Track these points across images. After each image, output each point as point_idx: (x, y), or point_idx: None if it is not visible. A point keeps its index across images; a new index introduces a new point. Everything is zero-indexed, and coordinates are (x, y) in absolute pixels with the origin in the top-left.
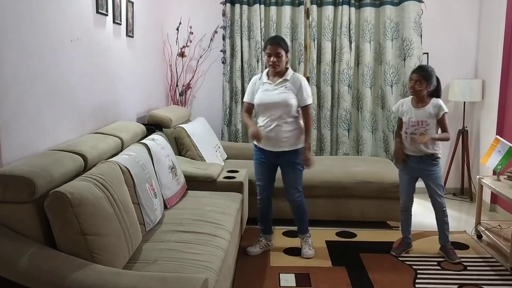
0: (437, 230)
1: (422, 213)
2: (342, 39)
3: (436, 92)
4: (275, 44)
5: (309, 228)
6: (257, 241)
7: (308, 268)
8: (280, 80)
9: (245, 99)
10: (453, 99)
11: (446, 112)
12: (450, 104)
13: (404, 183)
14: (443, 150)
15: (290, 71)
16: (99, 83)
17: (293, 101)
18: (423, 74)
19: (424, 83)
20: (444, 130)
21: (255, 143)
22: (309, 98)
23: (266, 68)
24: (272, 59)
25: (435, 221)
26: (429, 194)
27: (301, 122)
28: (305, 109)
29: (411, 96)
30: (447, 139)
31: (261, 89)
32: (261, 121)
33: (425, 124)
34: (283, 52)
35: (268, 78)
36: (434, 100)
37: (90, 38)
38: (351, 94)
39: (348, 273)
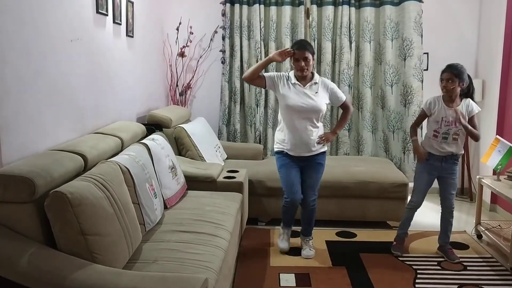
0: (437, 230)
1: (422, 213)
2: (342, 39)
3: (469, 91)
4: (302, 48)
5: None
6: (283, 234)
7: (308, 268)
8: (311, 83)
9: (265, 74)
10: None
11: (478, 111)
12: None
13: (424, 183)
14: None
15: (316, 75)
16: (99, 83)
17: (324, 106)
18: (454, 71)
19: (456, 81)
20: (475, 129)
21: (278, 148)
22: (343, 95)
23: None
24: (300, 63)
25: (435, 221)
26: (442, 193)
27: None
28: (345, 104)
29: (441, 95)
30: (477, 137)
31: (292, 90)
32: (291, 124)
33: (459, 124)
34: (310, 56)
35: (297, 80)
36: (465, 100)
37: (90, 38)
38: (351, 94)
39: (348, 273)
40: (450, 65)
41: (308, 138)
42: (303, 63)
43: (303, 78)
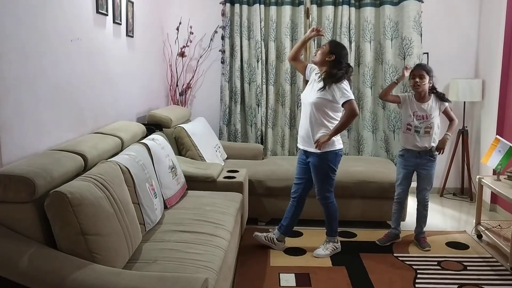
0: (438, 230)
1: None
2: (342, 39)
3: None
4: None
5: (309, 228)
6: (268, 231)
7: (308, 268)
8: (323, 76)
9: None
10: (453, 99)
11: (449, 103)
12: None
13: (402, 176)
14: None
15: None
16: (99, 83)
17: (315, 100)
18: (425, 68)
19: (427, 77)
20: (451, 119)
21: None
22: (343, 97)
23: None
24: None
25: (435, 220)
26: (418, 187)
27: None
28: (344, 107)
29: (412, 93)
30: (456, 126)
31: (312, 82)
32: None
33: (430, 118)
34: (329, 53)
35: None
36: (434, 95)
37: (90, 38)
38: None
39: (348, 273)
40: (420, 64)
41: (303, 130)
42: (318, 50)
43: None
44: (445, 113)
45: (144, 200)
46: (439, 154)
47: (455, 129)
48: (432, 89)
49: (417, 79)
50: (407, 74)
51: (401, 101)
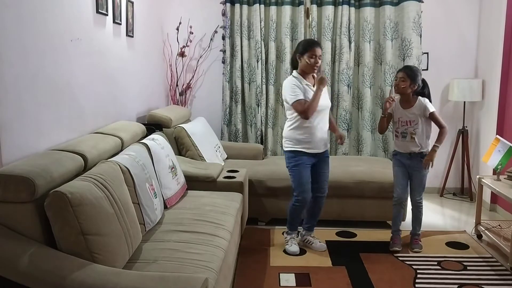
0: (437, 230)
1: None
2: (342, 39)
3: (422, 94)
4: (318, 46)
5: None
6: (290, 240)
7: (308, 268)
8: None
9: (301, 97)
10: (453, 99)
11: (433, 111)
12: (450, 104)
13: (400, 176)
14: (443, 149)
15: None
16: (99, 83)
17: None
18: (408, 72)
19: (408, 81)
20: (440, 126)
21: (292, 147)
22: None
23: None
24: (316, 60)
25: (435, 221)
26: (410, 188)
27: None
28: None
29: (399, 97)
30: (445, 134)
31: (306, 91)
32: (308, 123)
33: (414, 124)
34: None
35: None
36: (419, 100)
37: (90, 38)
38: (351, 94)
39: (348, 273)
40: (406, 66)
41: (324, 134)
42: (318, 60)
43: (310, 78)
44: (432, 119)
45: (144, 200)
46: (426, 168)
47: (445, 137)
48: (419, 93)
49: (398, 81)
50: (389, 106)
51: (392, 110)
